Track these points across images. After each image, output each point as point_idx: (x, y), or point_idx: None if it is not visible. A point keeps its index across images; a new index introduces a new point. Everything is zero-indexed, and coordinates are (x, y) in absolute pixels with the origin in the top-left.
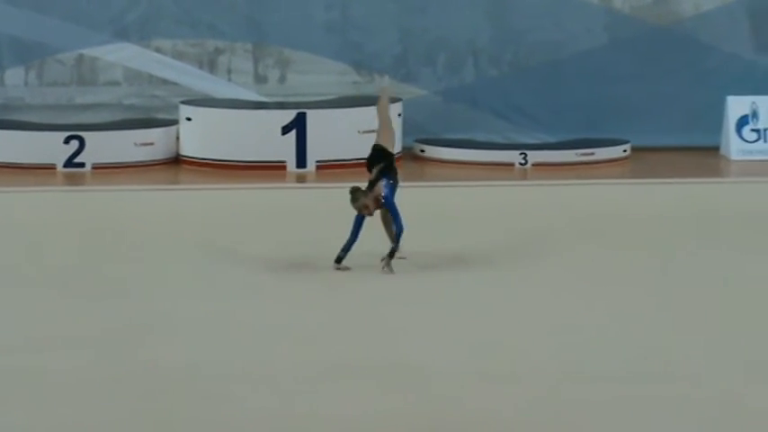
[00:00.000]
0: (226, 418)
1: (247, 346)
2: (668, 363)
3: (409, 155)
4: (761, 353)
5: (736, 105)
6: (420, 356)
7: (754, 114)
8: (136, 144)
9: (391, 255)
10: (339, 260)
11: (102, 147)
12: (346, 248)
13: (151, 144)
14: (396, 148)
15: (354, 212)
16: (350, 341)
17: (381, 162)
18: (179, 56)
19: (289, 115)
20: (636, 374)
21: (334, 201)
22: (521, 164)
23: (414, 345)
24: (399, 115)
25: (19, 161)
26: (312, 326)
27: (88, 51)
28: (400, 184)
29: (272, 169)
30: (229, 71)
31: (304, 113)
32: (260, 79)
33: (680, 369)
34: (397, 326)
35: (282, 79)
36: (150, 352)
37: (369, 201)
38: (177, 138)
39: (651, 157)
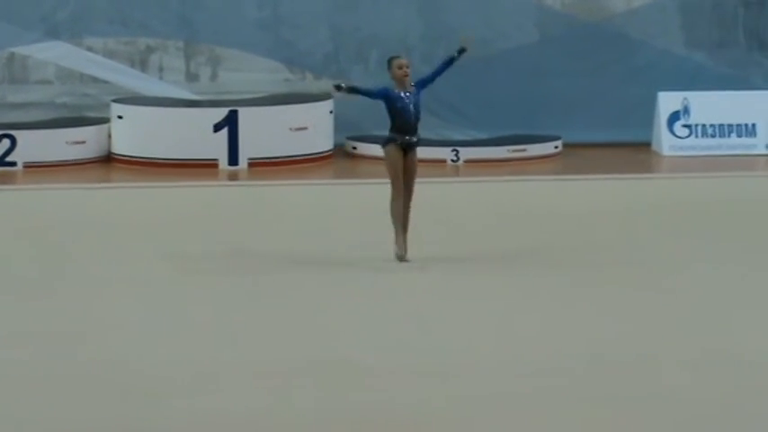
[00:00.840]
0: (159, 418)
1: (180, 345)
2: (597, 356)
3: (341, 152)
4: (693, 344)
5: (668, 101)
6: (355, 355)
7: (686, 110)
8: (67, 143)
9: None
10: (339, 87)
11: (33, 145)
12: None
13: (83, 143)
14: (329, 144)
15: None
16: (285, 339)
17: None
18: (111, 54)
19: (220, 113)
20: (563, 369)
21: (266, 198)
22: (453, 160)
23: (349, 343)
24: (331, 112)
25: None
26: (245, 324)
27: (19, 50)
28: (332, 182)
29: (204, 167)
30: (161, 69)
31: (236, 111)
32: (192, 77)
33: (611, 361)
34: (332, 324)
35: (214, 77)
36: (78, 351)
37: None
38: (109, 136)
39: (583, 153)
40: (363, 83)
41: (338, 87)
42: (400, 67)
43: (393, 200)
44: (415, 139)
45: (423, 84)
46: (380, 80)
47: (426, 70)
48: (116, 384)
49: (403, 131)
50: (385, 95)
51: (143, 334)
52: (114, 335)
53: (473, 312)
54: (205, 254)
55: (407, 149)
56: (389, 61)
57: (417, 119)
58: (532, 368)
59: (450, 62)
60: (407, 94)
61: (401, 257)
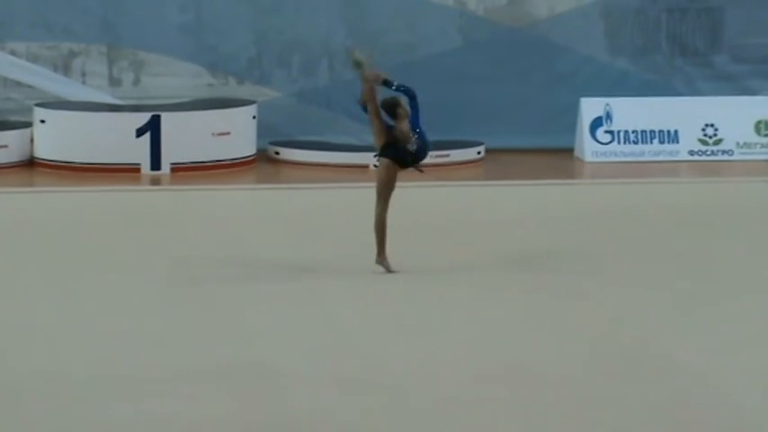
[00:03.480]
0: (79, 423)
1: (98, 350)
2: (522, 366)
3: (264, 157)
4: (615, 353)
5: (590, 107)
6: (274, 360)
7: (608, 116)
8: None
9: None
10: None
11: None
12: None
13: (5, 147)
14: (251, 149)
15: None
16: (202, 344)
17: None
18: (34, 58)
19: (143, 118)
20: (487, 376)
21: (189, 203)
22: (375, 166)
23: (265, 348)
24: (254, 117)
25: None
26: (165, 329)
27: None
28: (255, 187)
29: (126, 172)
30: (84, 74)
31: (158, 116)
32: (114, 82)
33: (532, 369)
34: (249, 329)
35: (137, 81)
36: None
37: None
38: (32, 140)
39: (506, 159)
40: (286, 87)
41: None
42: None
43: (382, 210)
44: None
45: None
46: (302, 85)
47: (349, 75)
48: (28, 389)
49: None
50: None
51: (61, 340)
52: (37, 340)
53: (391, 317)
54: (127, 258)
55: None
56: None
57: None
58: (462, 378)
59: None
60: None
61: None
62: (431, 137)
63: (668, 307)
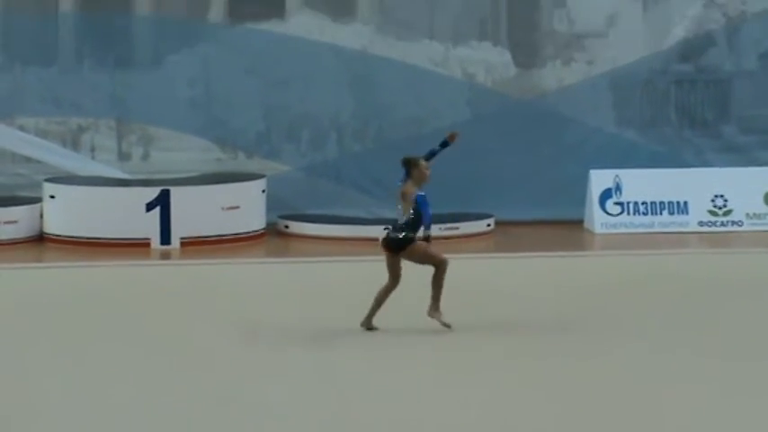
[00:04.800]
0: None
1: (107, 425)
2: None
3: (273, 231)
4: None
5: (600, 178)
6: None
7: (617, 187)
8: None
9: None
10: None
11: None
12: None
13: (15, 222)
14: (261, 223)
15: None
16: (212, 417)
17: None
18: (42, 133)
19: (153, 192)
20: None
21: (198, 277)
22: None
23: (278, 421)
24: (263, 191)
25: None
26: (173, 402)
27: None
28: (265, 260)
29: (136, 246)
30: (93, 148)
31: (168, 190)
32: (124, 156)
33: None
34: (259, 402)
35: (146, 156)
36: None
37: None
38: (41, 216)
39: (515, 231)
40: (295, 161)
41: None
42: (427, 168)
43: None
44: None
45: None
46: (311, 159)
47: (358, 148)
48: None
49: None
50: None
51: (69, 414)
52: (37, 415)
53: (404, 386)
54: (137, 333)
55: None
56: (413, 161)
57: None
58: None
59: (430, 155)
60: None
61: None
62: (441, 209)
63: (677, 378)
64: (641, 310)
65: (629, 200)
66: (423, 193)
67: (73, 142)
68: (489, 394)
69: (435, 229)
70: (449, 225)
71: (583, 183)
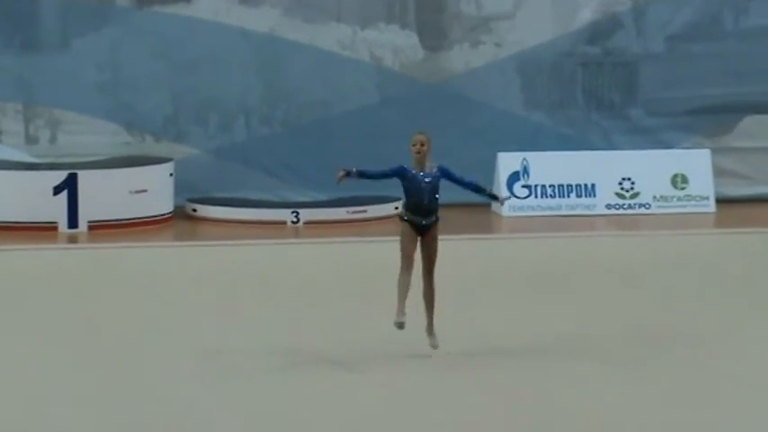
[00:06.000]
0: None
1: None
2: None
3: (181, 214)
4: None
5: (507, 161)
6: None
7: (525, 170)
8: None
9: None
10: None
11: None
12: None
13: None
14: (169, 207)
15: None
16: (120, 401)
17: None
18: None
19: (60, 176)
20: None
21: (107, 261)
22: (293, 222)
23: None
24: (171, 175)
25: None
26: (79, 390)
27: None
28: (173, 244)
29: (43, 230)
30: (0, 132)
31: (75, 174)
32: (31, 140)
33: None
34: (168, 394)
35: (53, 139)
36: None
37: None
38: None
39: None
40: (203, 145)
41: (348, 173)
42: (413, 144)
43: (400, 273)
44: (424, 222)
45: (446, 174)
46: (219, 142)
47: (266, 132)
48: None
49: (414, 212)
50: (398, 173)
51: None
52: None
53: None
54: (42, 319)
55: (422, 230)
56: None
57: (431, 201)
58: None
59: (476, 189)
60: (422, 173)
61: (400, 325)
62: (348, 192)
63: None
64: (547, 294)
65: (536, 183)
66: (401, 166)
67: None
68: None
69: (343, 212)
70: (356, 208)
71: (490, 166)
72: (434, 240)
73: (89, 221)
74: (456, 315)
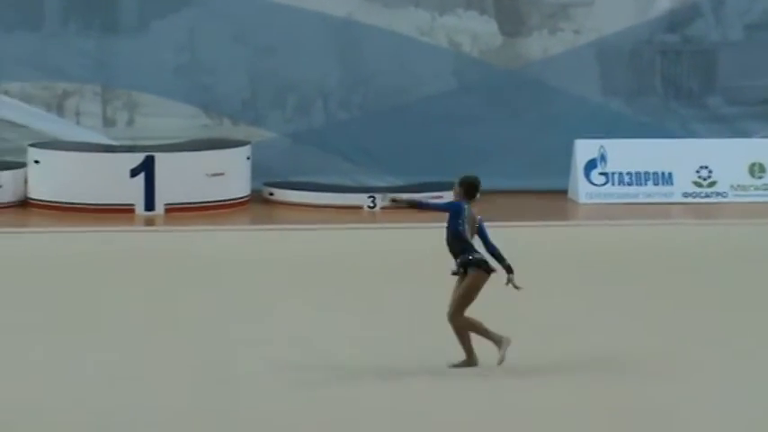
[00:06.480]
0: None
1: (89, 390)
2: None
3: (258, 198)
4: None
5: (585, 149)
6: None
7: (602, 158)
8: None
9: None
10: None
11: None
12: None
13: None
14: (246, 190)
15: None
16: (191, 386)
17: None
18: (28, 98)
19: (137, 158)
20: None
21: (182, 243)
22: (369, 207)
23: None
24: (248, 158)
25: None
26: (152, 369)
27: None
28: (249, 228)
29: (120, 212)
30: (78, 114)
31: (152, 156)
32: (108, 122)
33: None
34: (237, 372)
35: (131, 122)
36: None
37: None
38: (26, 181)
39: (499, 201)
40: (280, 128)
41: (394, 200)
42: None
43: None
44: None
45: (480, 231)
46: (296, 126)
47: (344, 116)
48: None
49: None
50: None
51: (52, 379)
52: (21, 378)
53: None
54: (119, 299)
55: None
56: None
57: (450, 243)
58: None
59: (496, 255)
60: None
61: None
62: (425, 177)
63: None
64: (622, 281)
65: (613, 170)
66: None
67: (58, 107)
68: None
69: (420, 198)
70: (433, 193)
71: (567, 153)
72: (465, 280)
73: (166, 204)
74: (531, 303)
